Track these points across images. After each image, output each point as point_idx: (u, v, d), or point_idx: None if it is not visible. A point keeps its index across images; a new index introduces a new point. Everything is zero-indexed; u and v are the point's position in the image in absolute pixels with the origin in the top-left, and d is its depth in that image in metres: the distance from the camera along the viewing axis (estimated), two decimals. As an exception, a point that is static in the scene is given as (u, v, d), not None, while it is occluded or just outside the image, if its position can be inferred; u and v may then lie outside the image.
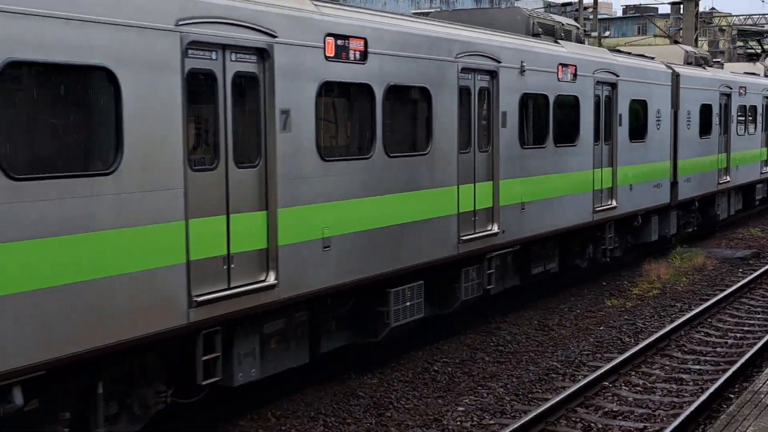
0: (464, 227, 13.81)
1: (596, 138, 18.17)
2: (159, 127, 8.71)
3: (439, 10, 51.36)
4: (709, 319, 16.50)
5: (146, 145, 8.57)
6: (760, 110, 29.01)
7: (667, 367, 13.57)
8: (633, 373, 13.20)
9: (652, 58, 22.22)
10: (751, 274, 20.29)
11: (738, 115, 26.82)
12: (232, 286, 9.59)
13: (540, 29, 17.21)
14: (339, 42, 11.03)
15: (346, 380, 12.68)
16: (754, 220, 30.70)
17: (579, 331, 15.84)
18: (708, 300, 17.64)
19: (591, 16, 51.42)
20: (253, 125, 9.99)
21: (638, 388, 12.55)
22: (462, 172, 13.76)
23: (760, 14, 65.77)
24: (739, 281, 19.55)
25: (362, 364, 13.25)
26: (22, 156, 7.72)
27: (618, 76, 19.05)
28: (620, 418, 11.34)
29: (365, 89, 11.66)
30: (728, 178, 26.08)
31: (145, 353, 9.09)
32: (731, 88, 26.17)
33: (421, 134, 13.06)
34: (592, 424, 11.03)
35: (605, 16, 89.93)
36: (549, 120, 16.32)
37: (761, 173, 29.45)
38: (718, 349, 14.60)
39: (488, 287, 14.74)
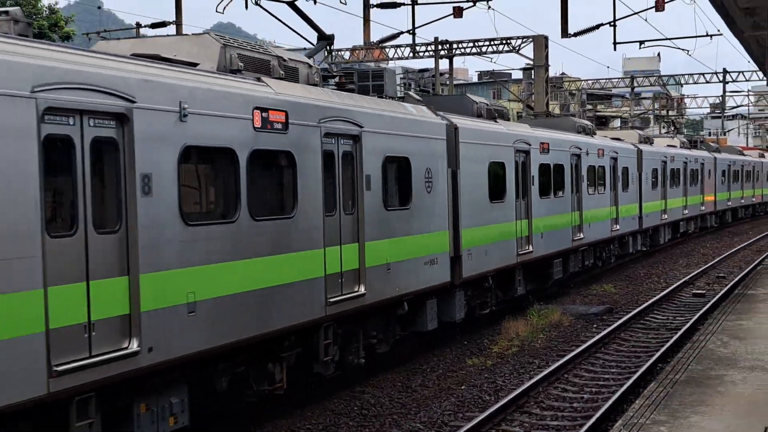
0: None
1: (612, 187, 30.94)
2: (13, 194, 8.66)
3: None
4: (565, 375, 16.94)
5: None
6: (681, 171, 42.20)
7: (527, 424, 13.85)
8: (493, 431, 13.42)
9: (622, 140, 35.08)
10: (605, 329, 20.92)
11: (670, 175, 40.14)
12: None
13: (582, 129, 28.83)
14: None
15: (208, 450, 12.50)
16: (607, 276, 31.73)
17: (441, 390, 16.04)
18: (564, 356, 18.10)
19: (447, 82, 52.72)
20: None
21: (499, 446, 12.78)
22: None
23: (606, 78, 68.57)
24: (593, 336, 20.13)
25: (225, 434, 13.10)
26: None
27: (617, 153, 31.66)
28: (482, 476, 11.50)
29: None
30: (665, 216, 39.67)
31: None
32: (666, 158, 39.56)
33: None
34: (455, 484, 11.16)
35: (461, 82, 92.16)
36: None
37: (699, 210, 45.68)
38: (575, 404, 14.99)
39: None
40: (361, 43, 42.85)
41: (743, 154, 61.58)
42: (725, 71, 62.52)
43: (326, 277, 13.76)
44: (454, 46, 46.24)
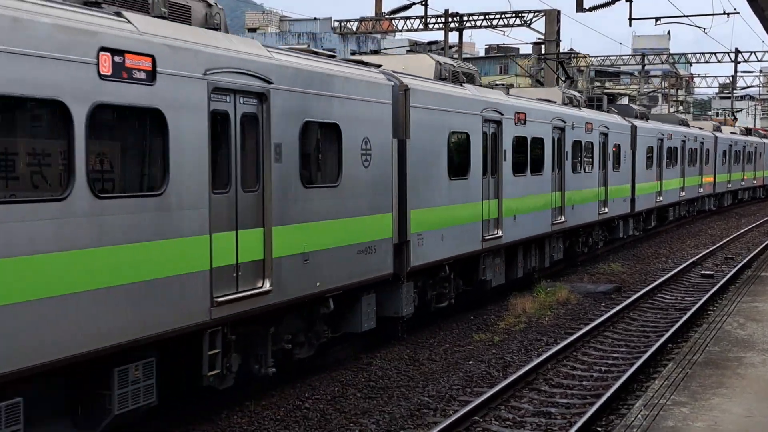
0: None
1: (698, 163, 44.27)
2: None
3: (306, 45, 51.33)
4: (574, 353, 16.78)
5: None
6: (741, 153, 54.89)
7: (536, 401, 13.71)
8: (503, 407, 13.29)
9: (702, 128, 47.22)
10: (614, 308, 20.75)
11: (734, 156, 52.65)
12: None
13: (681, 122, 42.63)
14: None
15: (215, 419, 12.38)
16: (614, 255, 31.56)
17: (449, 365, 15.89)
18: (573, 334, 17.93)
19: (456, 56, 52.34)
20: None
21: (508, 423, 12.63)
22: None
23: (617, 55, 67.94)
24: (602, 315, 19.97)
25: (232, 402, 12.98)
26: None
27: (704, 139, 45.08)
28: (492, 453, 11.35)
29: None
30: (729, 185, 53.01)
31: None
32: (732, 142, 52.13)
33: None
34: (465, 460, 11.02)
35: (469, 56, 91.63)
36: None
37: (752, 183, 60.03)
38: (585, 383, 14.83)
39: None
40: (373, 13, 42.41)
41: None
42: (737, 51, 62.04)
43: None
44: (465, 18, 45.85)
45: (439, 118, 17.52)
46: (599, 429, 12.11)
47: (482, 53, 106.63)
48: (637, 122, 33.60)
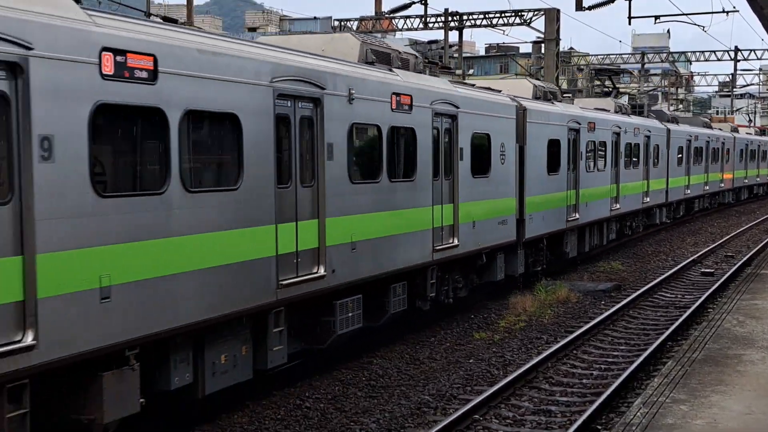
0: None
1: (719, 161, 49.30)
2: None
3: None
4: (574, 351, 16.81)
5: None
6: (757, 152, 60.33)
7: (536, 399, 13.74)
8: (503, 405, 13.32)
9: (721, 129, 52.56)
10: (614, 306, 20.79)
11: (750, 154, 58.16)
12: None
13: (704, 125, 48.76)
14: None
15: (215, 420, 12.41)
16: (613, 253, 31.60)
17: (449, 364, 15.93)
18: (573, 332, 17.97)
19: (456, 55, 52.38)
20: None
21: (508, 421, 12.67)
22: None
23: (617, 54, 68.00)
24: (602, 313, 20.00)
25: (232, 402, 13.01)
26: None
27: (725, 139, 50.72)
28: (492, 451, 11.38)
29: None
30: (746, 180, 58.81)
31: None
32: (748, 142, 57.66)
33: None
34: (465, 458, 11.04)
35: (469, 55, 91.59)
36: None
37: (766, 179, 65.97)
38: (584, 381, 14.87)
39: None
40: (373, 13, 42.41)
41: None
42: (737, 49, 62.01)
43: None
44: (465, 17, 45.86)
45: (542, 129, 23.30)
46: (599, 427, 12.14)
47: (482, 52, 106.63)
48: (670, 125, 39.05)
